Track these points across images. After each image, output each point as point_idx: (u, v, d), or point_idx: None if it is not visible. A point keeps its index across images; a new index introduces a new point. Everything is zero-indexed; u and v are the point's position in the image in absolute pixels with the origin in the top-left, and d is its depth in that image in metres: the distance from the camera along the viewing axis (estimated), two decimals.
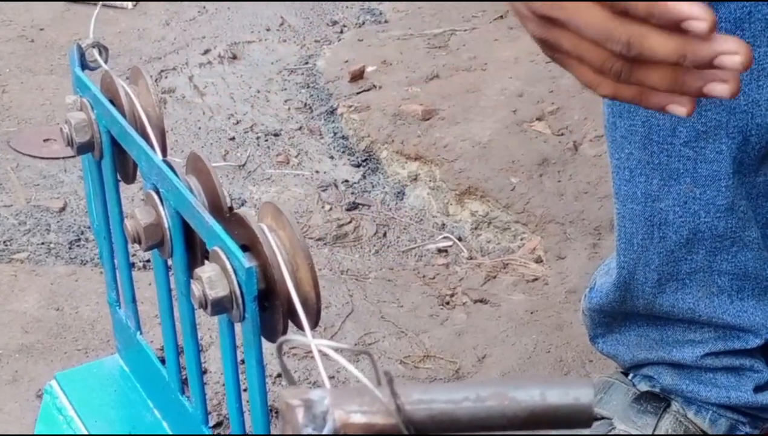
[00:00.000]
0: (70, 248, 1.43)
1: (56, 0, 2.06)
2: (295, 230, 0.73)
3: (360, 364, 1.23)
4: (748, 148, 0.87)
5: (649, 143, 0.88)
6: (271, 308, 0.73)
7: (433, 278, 1.38)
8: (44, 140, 1.64)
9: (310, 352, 0.55)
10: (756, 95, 0.85)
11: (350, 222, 1.49)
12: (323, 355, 0.51)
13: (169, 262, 0.84)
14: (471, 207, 1.52)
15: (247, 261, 0.70)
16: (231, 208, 0.81)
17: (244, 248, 0.73)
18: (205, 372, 1.19)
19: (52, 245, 1.43)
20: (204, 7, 2.09)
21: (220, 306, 0.72)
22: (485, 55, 1.84)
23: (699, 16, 0.57)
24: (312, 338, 0.47)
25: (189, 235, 0.80)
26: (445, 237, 1.48)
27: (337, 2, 2.12)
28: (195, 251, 0.81)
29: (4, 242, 1.44)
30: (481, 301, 1.34)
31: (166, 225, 0.82)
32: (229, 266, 0.72)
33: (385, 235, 1.48)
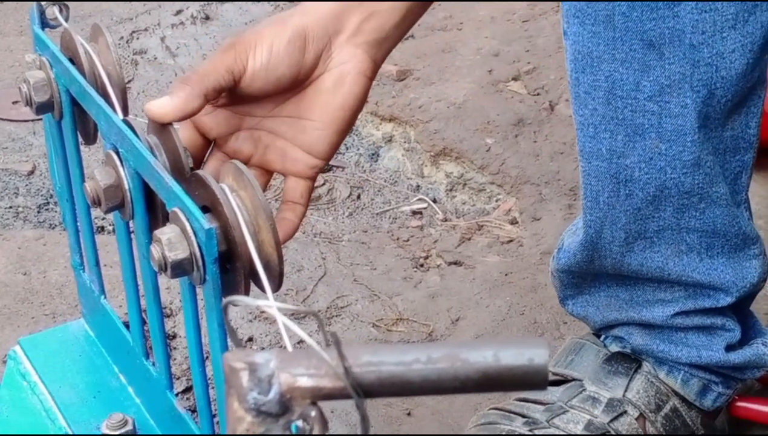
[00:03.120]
0: (38, 212, 1.43)
1: None
2: (256, 190, 0.72)
3: (334, 326, 1.23)
4: (713, 102, 0.87)
5: (612, 99, 0.88)
6: (232, 270, 0.73)
7: (407, 240, 1.38)
8: (13, 103, 1.63)
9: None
10: (720, 47, 0.85)
11: (323, 184, 1.49)
12: (294, 319, 0.50)
13: (131, 224, 0.84)
14: (446, 168, 1.52)
15: (207, 222, 0.70)
16: (192, 169, 0.80)
17: (205, 209, 0.72)
18: (174, 337, 1.19)
19: (20, 209, 1.43)
20: None
21: (180, 269, 0.72)
22: (461, 14, 1.84)
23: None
24: (260, 300, 0.47)
25: (150, 196, 0.79)
26: (419, 199, 1.47)
27: None
28: (156, 213, 0.80)
29: None
30: (455, 263, 1.34)
31: (126, 187, 0.81)
32: (189, 228, 0.72)
33: (359, 197, 1.48)
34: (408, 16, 0.87)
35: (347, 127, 0.86)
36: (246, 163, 0.85)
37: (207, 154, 0.86)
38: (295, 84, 0.84)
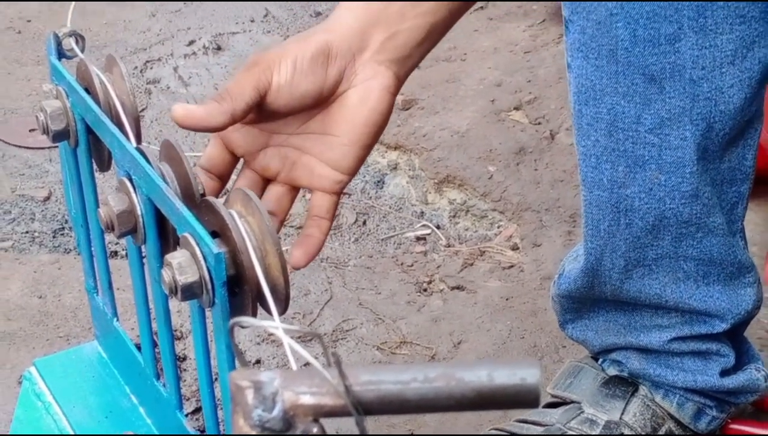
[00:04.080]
0: (53, 237, 1.43)
1: None
2: (264, 216, 0.73)
3: (340, 349, 1.23)
4: (711, 135, 0.87)
5: (614, 130, 0.88)
6: (240, 294, 0.73)
7: (411, 265, 1.39)
8: (30, 130, 1.64)
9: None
10: (719, 82, 0.85)
11: None
12: (300, 341, 0.51)
13: (144, 249, 0.85)
14: (449, 195, 1.53)
15: (216, 247, 0.71)
16: (202, 195, 0.81)
17: (214, 235, 0.73)
18: (184, 359, 1.19)
19: (36, 234, 1.43)
20: None
21: (189, 292, 0.72)
22: (465, 45, 1.85)
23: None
24: (266, 321, 0.47)
25: (161, 222, 0.80)
26: (423, 225, 1.48)
27: None
28: (167, 238, 0.81)
29: None
30: (457, 288, 1.34)
31: (139, 212, 0.82)
32: (198, 252, 0.72)
33: (364, 223, 1.48)
34: (430, 35, 0.85)
35: (372, 142, 0.84)
36: (274, 179, 0.85)
37: (239, 174, 0.85)
38: (320, 100, 0.83)
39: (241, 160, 0.87)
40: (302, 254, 0.83)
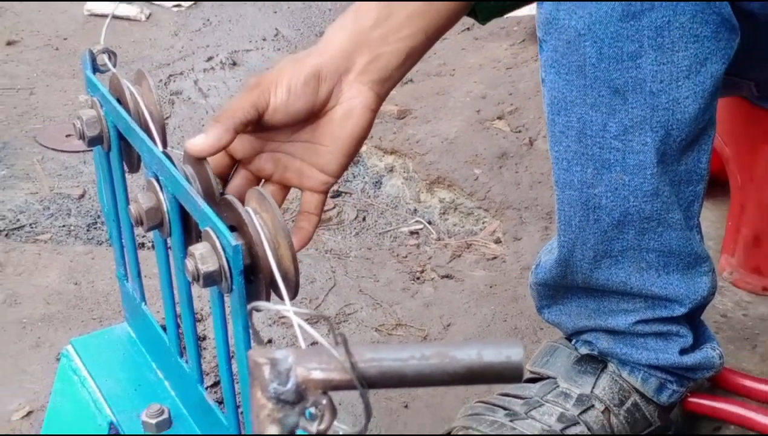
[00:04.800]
0: (87, 230, 1.43)
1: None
2: (276, 212, 0.73)
3: (342, 330, 1.23)
4: (669, 141, 0.87)
5: (583, 137, 0.88)
6: (255, 281, 0.73)
7: (406, 256, 1.39)
8: (66, 136, 1.64)
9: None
10: (676, 94, 0.85)
11: (334, 208, 1.49)
12: (308, 323, 0.51)
13: (169, 241, 0.85)
14: (439, 195, 1.53)
15: (234, 240, 0.71)
16: (222, 194, 0.81)
17: (232, 229, 0.73)
18: (204, 338, 1.19)
19: (72, 228, 1.43)
20: (208, 20, 2.09)
21: (210, 279, 0.72)
22: (453, 62, 1.85)
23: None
24: (279, 305, 0.47)
25: (185, 217, 0.80)
26: (416, 221, 1.48)
27: (325, 15, 2.12)
28: (190, 231, 0.81)
29: (30, 224, 1.44)
30: (447, 276, 1.34)
31: (165, 208, 0.82)
32: (218, 244, 0.72)
33: (364, 219, 1.48)
34: (409, 58, 0.86)
35: (355, 151, 0.86)
36: (267, 179, 0.86)
37: (232, 172, 0.87)
38: (311, 116, 0.84)
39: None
40: (295, 243, 0.85)
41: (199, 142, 0.80)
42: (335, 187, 1.53)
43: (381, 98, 0.86)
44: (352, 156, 0.86)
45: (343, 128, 0.85)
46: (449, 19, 0.90)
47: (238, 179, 0.86)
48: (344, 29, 0.85)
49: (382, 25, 0.85)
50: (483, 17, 0.93)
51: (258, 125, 0.83)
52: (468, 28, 1.93)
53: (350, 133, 0.85)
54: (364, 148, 1.62)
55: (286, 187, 0.88)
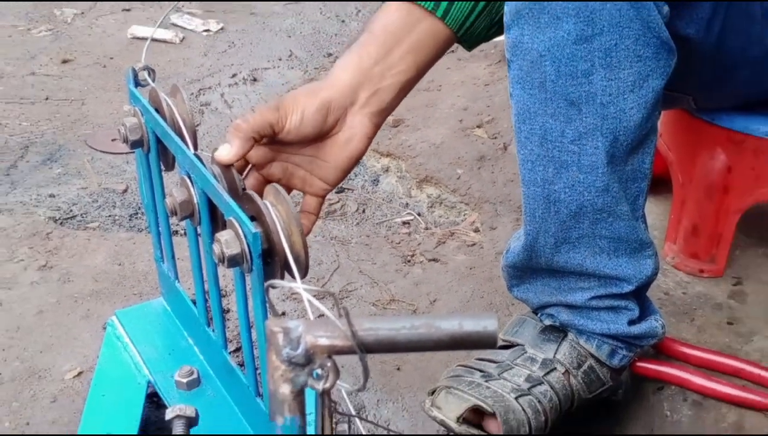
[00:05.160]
0: (129, 220, 1.43)
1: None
2: (290, 205, 0.73)
3: (344, 304, 1.23)
4: (617, 145, 0.87)
5: (545, 142, 0.88)
6: (271, 263, 0.73)
7: (399, 243, 1.39)
8: (112, 140, 1.64)
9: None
10: (623, 105, 0.85)
11: (338, 202, 1.49)
12: (316, 298, 0.51)
13: (198, 229, 0.85)
14: (427, 191, 1.52)
15: (253, 228, 0.71)
16: (243, 189, 0.81)
17: (252, 219, 0.73)
18: (228, 311, 1.19)
19: (116, 217, 1.43)
20: (233, 43, 2.08)
21: (234, 261, 0.72)
22: (440, 79, 1.84)
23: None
24: (292, 283, 0.48)
25: (212, 209, 0.80)
26: (408, 213, 1.48)
27: (332, 38, 2.11)
28: (216, 221, 0.81)
29: (81, 214, 1.44)
30: (433, 260, 1.34)
31: (196, 201, 0.82)
32: (240, 232, 0.72)
33: (364, 211, 1.48)
34: (403, 90, 0.89)
35: (352, 167, 0.89)
36: (275, 182, 0.87)
37: (245, 173, 0.88)
38: (318, 138, 0.86)
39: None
40: None
41: (224, 153, 0.81)
42: (340, 186, 1.53)
43: (377, 127, 0.89)
44: (348, 171, 0.89)
45: (344, 151, 0.87)
46: (437, 53, 0.91)
47: (251, 180, 0.88)
48: (349, 66, 0.87)
49: (381, 63, 0.87)
50: (469, 46, 0.94)
51: (272, 140, 0.85)
52: (453, 51, 1.91)
53: (349, 155, 0.87)
54: None
55: (289, 190, 0.89)
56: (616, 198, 0.90)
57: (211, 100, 1.82)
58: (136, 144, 0.91)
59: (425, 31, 0.89)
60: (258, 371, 0.83)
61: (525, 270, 0.99)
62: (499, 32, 0.92)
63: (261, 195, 0.76)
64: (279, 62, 1.99)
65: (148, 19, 2.18)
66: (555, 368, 0.97)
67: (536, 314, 1.02)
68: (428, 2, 0.89)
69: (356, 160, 0.88)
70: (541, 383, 0.96)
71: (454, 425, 0.94)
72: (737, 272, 1.26)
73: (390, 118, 1.67)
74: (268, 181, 0.87)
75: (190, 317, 0.97)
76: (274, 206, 0.74)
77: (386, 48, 0.87)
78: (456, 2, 0.89)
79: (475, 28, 0.92)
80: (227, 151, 0.81)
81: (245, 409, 0.88)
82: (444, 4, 0.89)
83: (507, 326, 1.04)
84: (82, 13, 2.21)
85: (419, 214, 1.48)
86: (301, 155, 0.88)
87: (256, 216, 0.74)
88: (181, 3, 2.25)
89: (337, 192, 1.51)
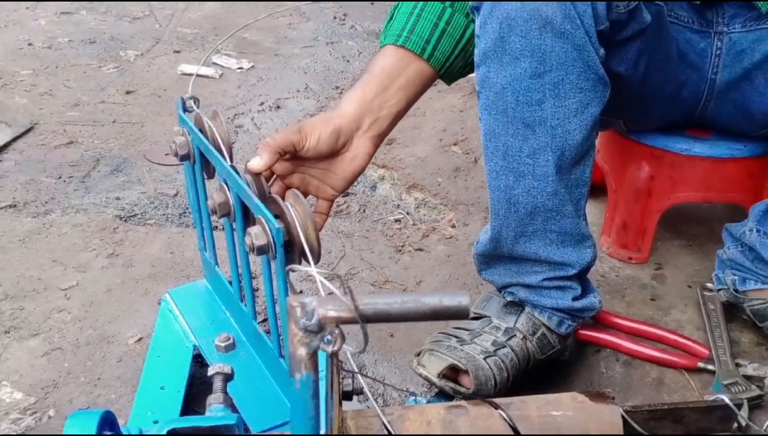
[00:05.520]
0: (179, 218, 1.42)
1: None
2: (306, 207, 0.73)
3: (349, 283, 1.22)
4: (564, 159, 0.87)
5: (506, 156, 0.88)
6: (291, 252, 0.73)
7: (392, 236, 1.38)
8: (165, 154, 1.63)
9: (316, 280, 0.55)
10: (568, 127, 0.85)
11: (344, 204, 1.49)
12: (326, 279, 0.51)
13: (234, 225, 0.84)
14: (414, 195, 1.52)
15: (277, 224, 0.71)
16: (269, 194, 0.81)
17: (276, 217, 0.73)
18: (257, 290, 1.19)
19: (168, 216, 1.43)
20: (261, 78, 2.08)
21: (261, 250, 0.72)
22: (424, 106, 1.84)
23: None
24: (307, 268, 0.47)
25: (245, 209, 0.80)
26: (399, 212, 1.47)
27: (339, 74, 2.11)
28: (248, 218, 0.81)
29: (141, 213, 1.43)
30: (419, 249, 1.34)
31: (232, 203, 0.82)
32: (267, 227, 0.72)
33: (364, 211, 1.47)
34: (396, 119, 0.90)
35: (355, 179, 0.90)
36: (294, 188, 0.87)
37: (271, 181, 0.88)
38: (330, 155, 0.87)
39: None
40: None
41: (255, 164, 0.82)
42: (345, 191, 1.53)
43: (377, 147, 0.90)
44: (353, 181, 0.90)
45: (350, 166, 0.88)
46: (423, 88, 0.92)
47: (275, 187, 0.88)
48: (354, 100, 0.89)
49: (379, 98, 0.88)
50: (448, 81, 0.95)
51: (293, 156, 0.85)
52: (435, 85, 1.91)
53: (354, 169, 0.88)
54: None
55: (306, 195, 0.90)
56: (563, 200, 0.90)
57: (244, 123, 1.82)
58: (184, 157, 0.90)
59: (414, 71, 0.89)
60: (280, 337, 0.83)
61: (491, 257, 0.99)
62: (472, 70, 0.92)
63: (283, 198, 0.76)
64: (297, 93, 1.99)
65: (194, 59, 2.17)
66: (515, 335, 0.97)
67: (500, 293, 1.02)
68: (417, 47, 0.89)
69: (359, 173, 0.89)
70: (504, 347, 0.96)
71: (435, 379, 0.94)
72: (658, 259, 1.27)
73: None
74: (288, 187, 0.88)
75: (227, 295, 0.97)
76: (294, 207, 0.74)
77: (383, 86, 0.88)
78: (438, 47, 0.89)
79: (453, 67, 0.93)
80: (257, 163, 0.81)
81: (271, 367, 0.87)
82: (429, 48, 0.89)
83: (477, 302, 1.04)
84: (142, 54, 2.21)
85: (408, 214, 1.47)
86: (315, 168, 0.88)
87: (279, 215, 0.74)
88: (220, 46, 2.24)
89: (343, 196, 1.51)
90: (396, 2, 0.94)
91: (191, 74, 2.04)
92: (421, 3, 0.90)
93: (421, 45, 0.89)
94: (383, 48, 0.90)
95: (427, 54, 0.89)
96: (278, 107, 1.91)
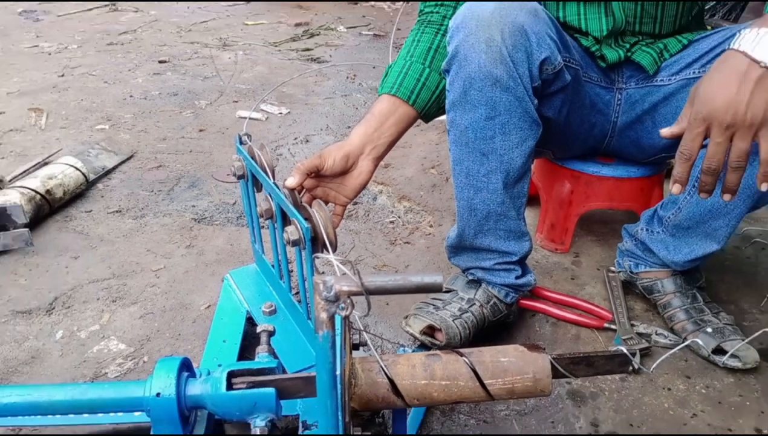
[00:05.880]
0: (237, 220, 1.42)
1: None
2: (326, 212, 0.73)
3: (357, 266, 1.21)
4: (509, 178, 0.88)
5: (468, 177, 0.89)
6: (316, 244, 0.73)
7: (388, 233, 1.38)
8: (227, 174, 1.62)
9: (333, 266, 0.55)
10: (512, 155, 0.86)
11: (353, 209, 1.48)
12: (341, 264, 0.51)
13: (275, 225, 0.84)
14: (404, 204, 1.51)
15: (306, 224, 0.70)
16: (300, 202, 0.81)
17: (305, 219, 0.73)
18: (292, 271, 1.18)
19: (230, 218, 1.42)
20: (295, 120, 2.07)
21: (295, 243, 0.72)
22: (410, 141, 1.84)
23: None
24: (328, 256, 0.47)
25: (283, 213, 0.80)
26: (393, 216, 1.47)
27: (350, 117, 2.11)
28: (285, 220, 0.80)
29: (210, 216, 1.43)
30: (407, 243, 1.33)
31: (274, 210, 0.82)
32: (299, 227, 0.72)
33: (368, 215, 1.47)
34: (390, 147, 0.90)
35: (361, 190, 0.89)
36: (318, 198, 0.87)
37: (302, 193, 0.88)
38: (342, 173, 0.87)
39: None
40: None
41: (290, 182, 0.82)
42: (354, 201, 1.53)
43: (376, 167, 0.90)
44: (359, 192, 0.89)
45: (357, 180, 0.88)
46: (409, 124, 0.93)
47: (305, 197, 0.88)
48: (360, 133, 0.89)
49: (377, 131, 0.88)
50: (427, 120, 0.95)
51: (317, 175, 0.85)
52: (417, 125, 1.92)
53: (360, 183, 0.88)
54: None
55: (327, 202, 0.89)
56: (508, 208, 0.90)
57: (283, 152, 1.81)
58: (240, 177, 0.90)
59: (403, 113, 0.90)
60: (308, 305, 0.83)
61: (457, 248, 0.99)
62: (443, 112, 0.93)
63: (310, 205, 0.76)
64: (320, 131, 1.98)
65: (247, 106, 2.17)
66: (475, 304, 0.97)
67: (464, 273, 1.02)
68: (404, 96, 0.90)
69: (364, 186, 0.89)
70: (467, 312, 0.96)
71: (418, 335, 0.94)
72: (577, 250, 1.27)
73: (383, 162, 1.68)
74: (314, 197, 0.88)
75: (271, 275, 0.97)
76: (318, 212, 0.74)
77: (380, 123, 0.88)
78: (420, 96, 0.90)
79: (430, 110, 0.93)
80: (292, 181, 0.82)
81: (302, 327, 0.87)
82: (413, 96, 0.90)
83: (448, 280, 1.03)
84: (210, 103, 2.20)
85: (399, 217, 1.47)
86: (333, 183, 0.89)
87: (308, 218, 0.74)
88: (266, 97, 2.24)
89: (353, 204, 1.51)
90: (389, 64, 0.95)
91: (245, 117, 2.04)
92: (408, 64, 0.91)
93: (408, 94, 0.90)
94: (380, 96, 0.91)
95: (412, 100, 0.90)
96: (307, 141, 1.91)
